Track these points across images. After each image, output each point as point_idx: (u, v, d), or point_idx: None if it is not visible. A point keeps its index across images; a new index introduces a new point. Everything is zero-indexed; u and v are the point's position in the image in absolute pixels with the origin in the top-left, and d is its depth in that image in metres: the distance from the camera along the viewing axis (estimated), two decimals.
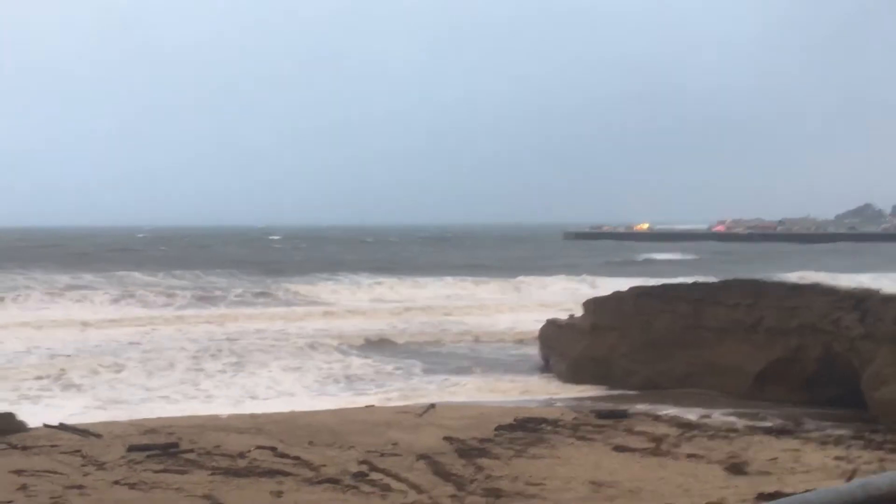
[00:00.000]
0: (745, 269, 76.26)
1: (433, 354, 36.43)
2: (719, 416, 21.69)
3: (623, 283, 39.66)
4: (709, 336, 27.42)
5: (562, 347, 31.15)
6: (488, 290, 66.21)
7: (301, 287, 64.58)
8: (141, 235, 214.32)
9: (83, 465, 13.37)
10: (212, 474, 13.00)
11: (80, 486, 12.22)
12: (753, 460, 15.00)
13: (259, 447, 14.76)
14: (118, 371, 30.60)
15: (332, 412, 19.74)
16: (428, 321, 47.56)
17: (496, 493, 12.38)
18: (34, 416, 18.67)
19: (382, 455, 14.51)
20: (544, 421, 18.37)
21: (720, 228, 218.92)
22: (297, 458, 14.14)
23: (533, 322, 37.55)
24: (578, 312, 32.25)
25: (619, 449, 15.72)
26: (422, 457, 14.45)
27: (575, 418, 19.12)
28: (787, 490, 12.57)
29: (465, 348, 38.19)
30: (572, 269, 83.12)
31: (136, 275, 72.32)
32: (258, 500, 12.03)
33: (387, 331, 43.06)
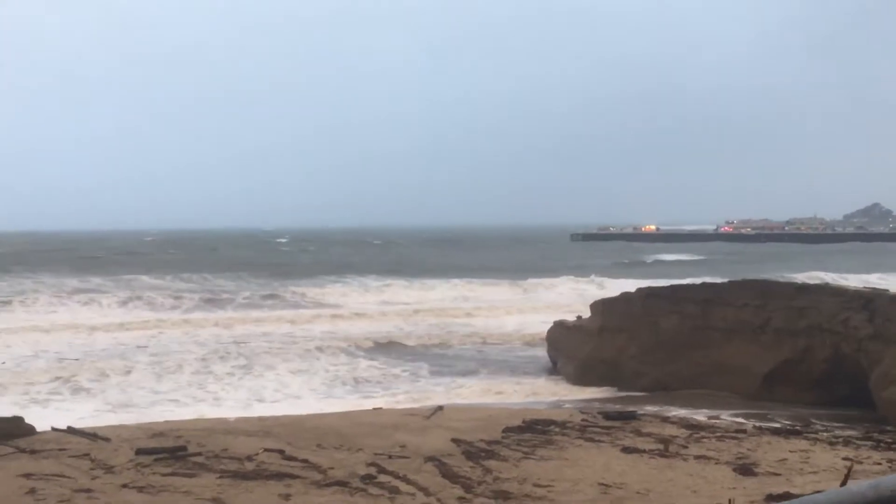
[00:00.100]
0: (754, 270, 76.08)
1: (441, 356, 36.41)
2: (728, 417, 21.66)
3: (632, 285, 39.60)
4: (717, 337, 27.37)
5: (570, 349, 31.10)
6: (496, 292, 66.11)
7: (309, 290, 64.61)
8: (149, 239, 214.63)
9: (91, 469, 13.37)
10: (220, 477, 13.00)
11: (88, 490, 12.22)
12: (762, 461, 14.96)
13: (267, 450, 14.75)
14: (126, 374, 30.65)
15: (340, 415, 19.73)
16: (435, 323, 47.55)
17: (504, 495, 12.36)
18: (43, 419, 18.70)
19: (390, 457, 14.49)
20: (552, 423, 18.34)
21: (728, 229, 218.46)
22: (305, 460, 14.13)
23: (541, 324, 37.54)
24: (587, 314, 32.21)
25: (628, 450, 15.68)
26: (430, 459, 14.43)
27: (583, 420, 19.09)
28: (796, 491, 12.52)
29: (472, 350, 38.16)
30: (580, 270, 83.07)
31: (145, 278, 72.47)
32: None
33: (394, 333, 43.05)
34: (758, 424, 20.06)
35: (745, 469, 14.18)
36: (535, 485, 13.00)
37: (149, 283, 69.32)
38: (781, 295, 26.45)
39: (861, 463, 15.07)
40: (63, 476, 12.88)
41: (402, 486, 12.71)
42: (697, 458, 15.17)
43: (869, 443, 17.66)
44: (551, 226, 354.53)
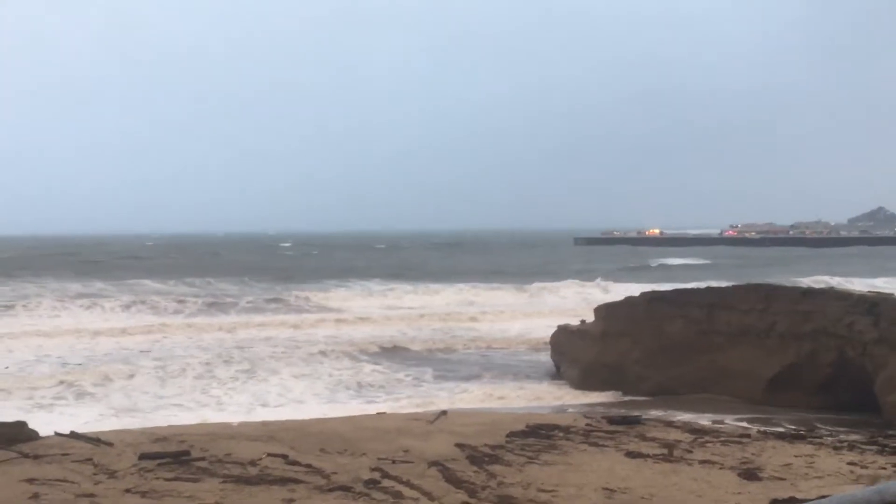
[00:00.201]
0: (760, 274, 76.15)
1: (445, 361, 36.39)
2: (732, 422, 21.60)
3: (639, 289, 39.48)
4: (721, 341, 27.32)
5: (573, 354, 31.07)
6: (500, 297, 66.16)
7: (312, 294, 64.66)
8: (150, 243, 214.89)
9: (94, 474, 13.35)
10: (223, 482, 12.96)
11: (91, 495, 12.20)
12: (767, 466, 14.91)
13: (270, 455, 14.72)
14: (130, 379, 30.66)
15: (344, 419, 19.69)
16: (439, 328, 47.56)
17: (508, 500, 12.32)
18: (47, 424, 18.68)
19: (394, 462, 14.45)
20: (556, 427, 18.29)
21: (732, 233, 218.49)
22: (308, 465, 14.09)
23: (545, 328, 37.53)
24: (591, 318, 32.17)
25: (632, 455, 15.63)
26: (433, 464, 14.39)
27: (587, 424, 19.04)
28: (801, 496, 12.48)
29: (476, 355, 38.14)
30: (585, 274, 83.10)
31: (148, 282, 72.55)
32: None
33: (398, 337, 43.03)
34: (762, 429, 20.00)
35: (750, 474, 14.12)
36: (540, 489, 12.96)
37: (152, 288, 69.39)
38: (786, 299, 26.39)
39: (866, 468, 15.03)
40: (66, 481, 12.85)
41: (406, 491, 12.68)
42: (702, 462, 15.13)
43: (874, 447, 17.60)
44: (554, 230, 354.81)
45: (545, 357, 34.51)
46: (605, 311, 30.92)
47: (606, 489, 13.01)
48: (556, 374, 32.14)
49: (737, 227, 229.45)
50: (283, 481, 13.07)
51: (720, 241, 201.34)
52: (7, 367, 32.99)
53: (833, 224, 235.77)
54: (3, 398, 27.31)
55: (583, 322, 32.80)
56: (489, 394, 28.80)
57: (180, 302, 58.73)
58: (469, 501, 12.27)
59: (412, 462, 14.54)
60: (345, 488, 12.76)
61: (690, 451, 16.17)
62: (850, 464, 15.39)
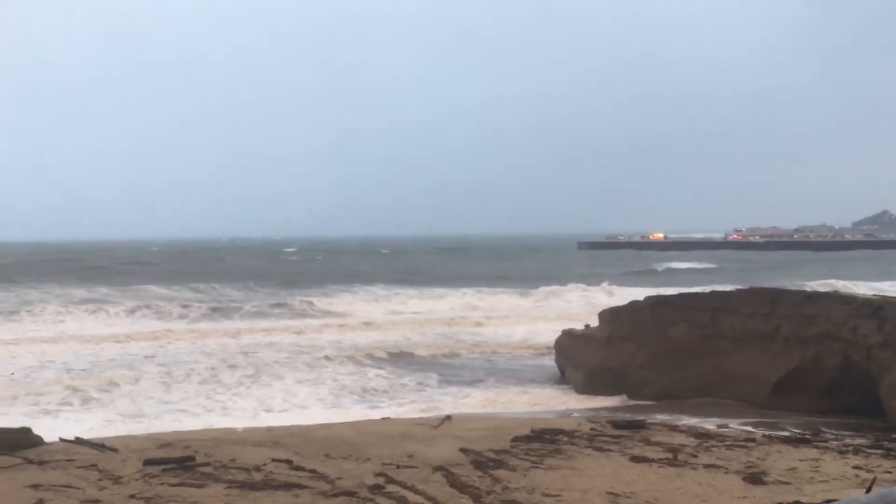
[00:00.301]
0: (767, 278, 75.97)
1: (449, 366, 36.38)
2: (737, 426, 21.57)
3: (645, 293, 39.53)
4: (726, 345, 27.29)
5: (578, 358, 31.05)
6: (505, 301, 66.14)
7: (317, 299, 64.67)
8: (155, 249, 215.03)
9: (99, 480, 13.36)
10: (228, 488, 12.98)
11: (96, 501, 12.22)
12: (772, 470, 14.90)
13: (275, 460, 14.73)
14: (134, 384, 30.66)
15: (348, 424, 19.70)
16: (444, 332, 47.54)
17: None
18: (52, 430, 18.72)
19: (398, 467, 14.46)
20: (561, 432, 18.29)
21: (736, 237, 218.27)
22: (313, 471, 14.10)
23: (550, 333, 37.49)
24: (596, 323, 32.15)
25: (637, 459, 15.63)
26: (438, 469, 14.39)
27: (592, 429, 19.03)
28: (806, 500, 12.48)
29: (481, 360, 38.12)
30: (590, 279, 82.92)
31: (152, 288, 72.57)
32: None
33: (402, 343, 43.02)
34: (767, 433, 19.98)
35: (755, 478, 14.12)
36: (544, 494, 12.96)
37: (156, 293, 69.42)
38: (790, 303, 26.35)
39: (871, 472, 15.01)
40: (71, 487, 12.87)
41: (411, 496, 12.68)
42: (707, 466, 15.12)
43: (879, 451, 17.58)
44: (557, 234, 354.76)
45: (549, 361, 34.50)
46: (609, 315, 30.90)
47: (611, 493, 13.01)
48: (561, 379, 32.12)
49: (741, 230, 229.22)
50: (288, 486, 13.08)
51: (724, 244, 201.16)
52: (13, 374, 33.01)
53: (837, 228, 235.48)
54: (9, 404, 27.32)
55: (587, 326, 32.77)
56: (493, 398, 28.77)
57: (185, 307, 58.77)
58: None
59: (416, 467, 14.54)
60: (349, 493, 12.77)
61: (695, 456, 16.16)
62: (855, 468, 15.39)
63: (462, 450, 16.09)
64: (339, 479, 13.61)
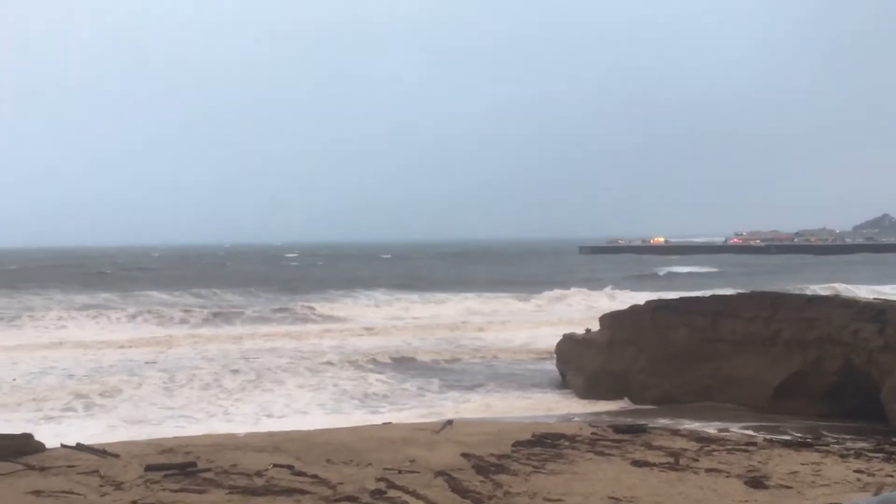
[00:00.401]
0: (770, 282, 75.97)
1: (450, 371, 36.36)
2: (738, 430, 21.56)
3: (649, 298, 39.46)
4: (727, 349, 27.29)
5: (579, 362, 31.04)
6: (506, 306, 66.17)
7: (318, 304, 64.70)
8: (157, 254, 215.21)
9: (101, 486, 13.37)
10: (229, 493, 12.98)
11: None
12: (773, 474, 14.90)
13: (276, 466, 14.74)
14: (136, 390, 30.66)
15: (349, 430, 19.71)
16: (445, 337, 47.52)
17: None
18: (55, 436, 18.72)
19: (400, 472, 14.47)
20: (562, 436, 18.29)
21: (737, 241, 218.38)
22: (314, 476, 14.11)
23: (551, 337, 37.49)
24: (597, 327, 32.15)
25: (638, 464, 15.63)
26: (439, 473, 14.40)
27: (593, 433, 19.03)
28: None
29: (482, 365, 38.09)
30: (592, 283, 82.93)
31: (154, 293, 72.66)
32: None
33: (404, 348, 43.00)
34: (768, 437, 19.98)
35: (756, 482, 14.12)
36: (546, 499, 12.97)
37: (158, 299, 69.50)
38: (791, 306, 26.35)
39: (873, 475, 15.01)
40: (72, 493, 12.88)
41: (412, 501, 12.69)
42: (708, 471, 15.12)
43: (880, 455, 17.59)
44: (558, 239, 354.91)
45: (550, 366, 34.49)
46: (610, 319, 30.91)
47: (612, 498, 13.01)
48: (562, 383, 32.11)
49: (741, 234, 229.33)
50: (290, 492, 13.08)
51: (725, 248, 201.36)
52: (14, 380, 33.02)
53: (838, 231, 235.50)
54: (11, 410, 27.33)
55: (588, 331, 32.78)
56: (495, 403, 28.77)
57: (186, 312, 58.84)
58: None
59: (418, 472, 14.55)
60: (351, 499, 12.78)
61: (696, 460, 16.17)
62: (856, 471, 15.39)
63: (463, 454, 16.10)
64: (341, 484, 13.62)
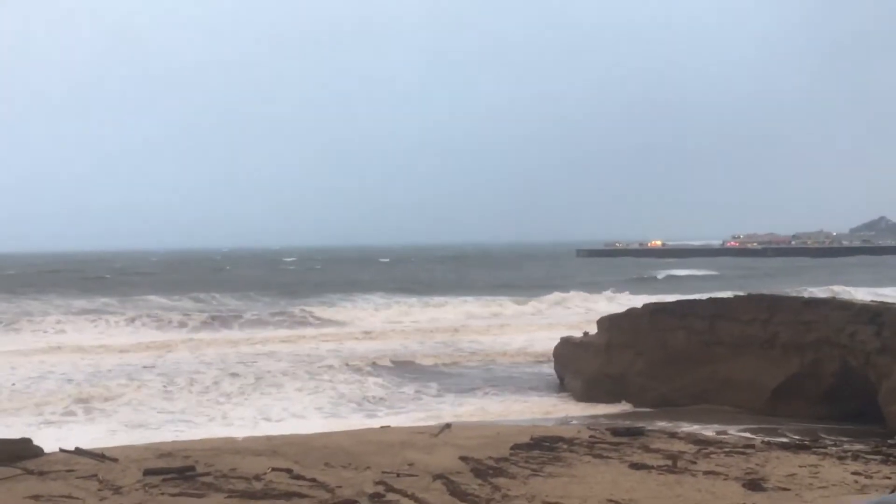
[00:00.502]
0: (769, 284, 76.10)
1: (448, 374, 36.40)
2: (736, 432, 21.60)
3: (648, 301, 39.48)
4: (724, 352, 27.33)
5: (577, 365, 31.08)
6: (505, 310, 66.15)
7: (316, 308, 64.69)
8: (155, 259, 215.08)
9: (99, 490, 13.37)
10: (228, 497, 12.99)
11: None
12: (771, 476, 14.92)
13: (275, 469, 14.74)
14: (134, 394, 30.66)
15: (348, 433, 19.70)
16: (443, 341, 47.53)
17: None
18: (55, 441, 18.73)
19: (398, 476, 14.48)
20: (560, 439, 18.31)
21: (734, 244, 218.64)
22: (313, 479, 14.12)
23: (549, 341, 37.53)
24: (594, 331, 32.18)
25: (636, 467, 15.65)
26: (438, 477, 14.41)
27: (591, 436, 19.05)
28: None
29: (480, 368, 38.13)
30: (591, 287, 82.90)
31: (152, 298, 72.66)
32: None
33: (402, 351, 43.03)
34: (766, 439, 20.00)
35: (754, 484, 14.14)
36: (544, 502, 12.98)
37: (156, 303, 69.55)
38: (788, 309, 26.40)
39: (871, 477, 15.04)
40: (71, 497, 12.89)
41: None
42: (706, 473, 15.14)
43: (878, 457, 17.61)
44: (555, 242, 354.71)
45: (549, 369, 34.52)
46: (607, 322, 30.95)
47: (611, 501, 13.03)
48: (560, 387, 32.15)
49: (738, 237, 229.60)
50: (288, 496, 13.09)
51: (723, 251, 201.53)
52: (13, 384, 33.02)
53: (835, 234, 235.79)
54: (10, 415, 27.35)
55: (586, 334, 32.82)
56: (493, 406, 28.80)
57: (185, 317, 58.85)
58: None
59: (417, 475, 14.56)
60: (349, 502, 12.79)
61: (694, 462, 16.18)
62: (854, 473, 15.40)
63: (462, 458, 16.11)
64: (340, 487, 13.63)
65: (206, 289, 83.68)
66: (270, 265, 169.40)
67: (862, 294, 60.62)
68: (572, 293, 74.72)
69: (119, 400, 29.81)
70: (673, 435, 19.95)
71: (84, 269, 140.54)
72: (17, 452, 15.61)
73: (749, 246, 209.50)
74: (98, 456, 15.78)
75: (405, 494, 13.22)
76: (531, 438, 18.21)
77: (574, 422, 24.34)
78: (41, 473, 14.42)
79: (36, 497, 12.84)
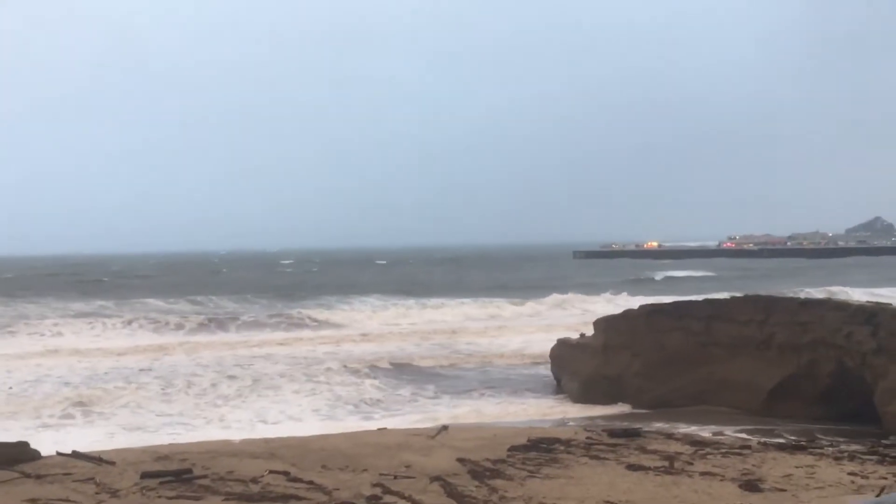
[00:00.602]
0: (766, 285, 76.15)
1: (446, 376, 36.39)
2: (733, 433, 21.63)
3: (647, 302, 39.48)
4: (721, 353, 27.35)
5: (573, 367, 31.09)
6: (502, 311, 66.15)
7: (313, 310, 64.70)
8: (153, 262, 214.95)
9: (97, 493, 13.38)
10: (225, 500, 13.00)
11: None
12: (768, 477, 14.95)
13: (272, 472, 14.76)
14: (131, 397, 30.64)
15: (345, 435, 19.72)
16: (441, 343, 47.53)
17: None
18: (50, 444, 18.73)
19: (396, 477, 14.50)
20: (557, 441, 18.33)
21: (730, 245, 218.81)
22: (310, 482, 14.13)
23: (546, 342, 37.50)
24: (591, 332, 32.19)
25: (633, 468, 15.68)
26: (435, 479, 14.43)
27: (588, 438, 19.08)
28: None
29: (477, 370, 38.13)
30: (589, 288, 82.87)
31: (149, 301, 72.63)
32: None
33: (399, 353, 43.03)
34: (763, 440, 20.04)
35: (751, 485, 14.17)
36: (541, 503, 13.01)
37: (153, 306, 69.50)
38: (785, 310, 26.43)
39: (867, 478, 15.07)
40: (68, 500, 12.89)
41: None
42: (703, 474, 15.17)
43: (874, 457, 17.65)
44: (552, 243, 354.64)
45: (545, 371, 34.52)
46: (604, 324, 30.95)
47: (608, 502, 13.06)
48: (557, 388, 32.16)
49: (734, 238, 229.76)
50: (285, 498, 13.11)
51: (719, 252, 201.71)
52: (10, 388, 33.00)
53: (830, 235, 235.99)
54: (7, 418, 27.32)
55: (582, 335, 32.84)
56: (490, 408, 28.80)
57: (182, 319, 58.79)
58: None
59: (414, 477, 14.58)
60: None
61: (691, 463, 16.21)
62: (850, 474, 15.44)
63: (459, 460, 16.13)
64: (337, 490, 13.64)
65: (204, 291, 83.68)
66: (268, 267, 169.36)
67: (858, 294, 60.71)
68: (570, 295, 74.70)
69: (116, 403, 29.79)
70: (670, 436, 19.98)
71: (82, 273, 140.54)
72: (15, 456, 15.62)
73: (745, 247, 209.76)
74: (95, 459, 15.78)
75: (402, 496, 13.23)
76: (528, 440, 18.24)
77: (571, 423, 24.37)
78: (38, 477, 14.42)
79: (33, 500, 12.84)
